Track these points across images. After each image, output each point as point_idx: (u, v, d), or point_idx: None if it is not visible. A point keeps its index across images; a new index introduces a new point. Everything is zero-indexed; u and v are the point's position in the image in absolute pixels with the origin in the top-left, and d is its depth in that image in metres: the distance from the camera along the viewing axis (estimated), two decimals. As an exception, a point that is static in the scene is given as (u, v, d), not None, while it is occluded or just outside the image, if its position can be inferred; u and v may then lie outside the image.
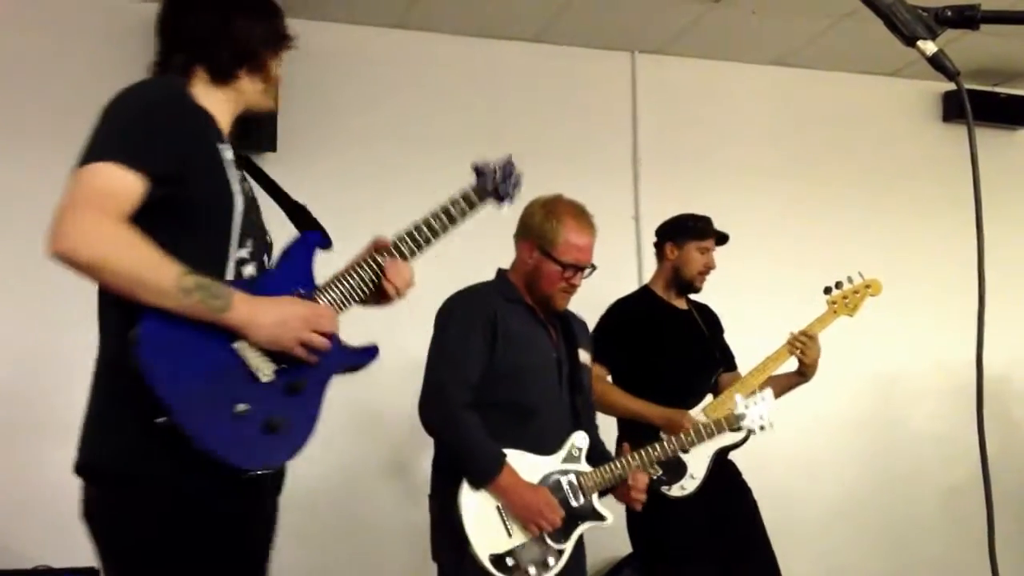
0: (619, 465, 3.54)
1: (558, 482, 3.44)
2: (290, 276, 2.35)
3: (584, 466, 3.50)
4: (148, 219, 2.13)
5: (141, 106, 2.24)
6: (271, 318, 2.19)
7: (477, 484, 3.30)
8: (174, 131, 2.23)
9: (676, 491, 4.09)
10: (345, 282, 2.46)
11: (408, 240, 2.54)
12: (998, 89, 6.46)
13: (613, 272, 5.48)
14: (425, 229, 2.56)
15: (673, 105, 5.98)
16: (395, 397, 4.69)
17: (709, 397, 4.27)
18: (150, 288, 2.08)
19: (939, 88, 6.42)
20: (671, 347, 4.26)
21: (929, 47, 1.78)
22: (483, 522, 3.29)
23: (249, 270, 2.31)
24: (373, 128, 5.40)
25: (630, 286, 5.20)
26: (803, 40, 5.87)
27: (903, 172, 6.32)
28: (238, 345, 2.18)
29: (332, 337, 2.32)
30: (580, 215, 3.59)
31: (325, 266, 2.48)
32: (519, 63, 5.72)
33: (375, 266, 2.50)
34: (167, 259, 2.10)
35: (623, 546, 5.08)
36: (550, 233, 3.53)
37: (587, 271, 3.58)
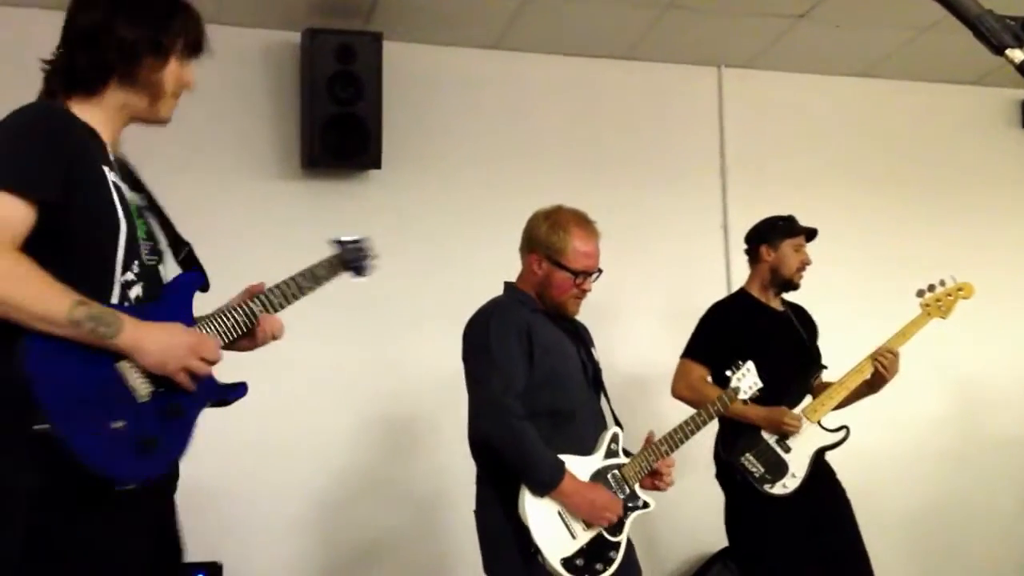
0: (652, 452, 3.52)
1: (605, 478, 3.42)
2: (173, 311, 2.31)
3: (623, 459, 3.49)
4: (34, 245, 2.11)
5: (27, 131, 2.17)
6: (159, 344, 2.17)
7: (541, 492, 3.26)
8: (60, 156, 2.16)
9: (778, 489, 4.05)
10: (219, 322, 2.42)
11: (272, 296, 2.53)
12: (1078, 95, 6.28)
13: (702, 280, 5.47)
14: (279, 294, 2.54)
15: (759, 117, 5.91)
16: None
17: (808, 398, 4.19)
18: (43, 320, 2.06)
19: (1019, 95, 6.27)
20: (770, 348, 4.19)
21: (1017, 55, 1.73)
22: (548, 528, 3.26)
23: (136, 291, 2.27)
24: (473, 146, 5.42)
25: (719, 293, 5.13)
26: (886, 52, 5.76)
27: (985, 178, 6.18)
28: (120, 365, 2.16)
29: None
30: (585, 222, 3.54)
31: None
32: (610, 80, 5.69)
33: (250, 311, 2.47)
34: (59, 290, 2.08)
35: (715, 542, 5.04)
36: (558, 243, 3.48)
37: (595, 275, 3.54)
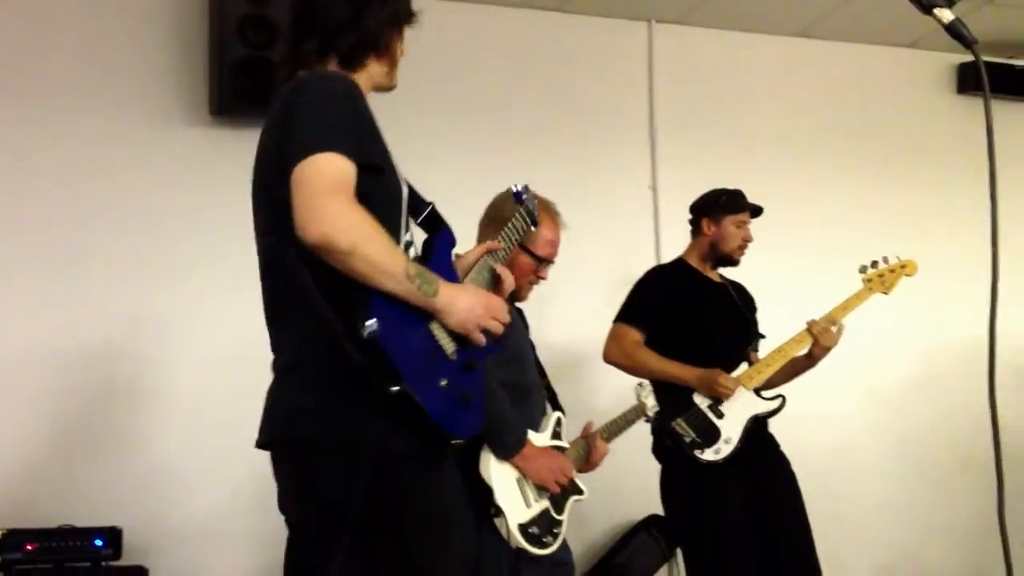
0: (587, 440, 3.76)
1: None
2: (442, 270, 2.44)
3: (564, 443, 3.66)
4: None
5: (343, 99, 2.34)
6: (464, 303, 2.34)
7: (508, 454, 3.40)
8: (370, 124, 2.37)
9: (709, 455, 4.10)
10: (477, 280, 2.66)
11: (500, 254, 2.79)
12: (1014, 61, 6.40)
13: (631, 241, 5.51)
14: (506, 242, 2.82)
15: (690, 75, 5.95)
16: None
17: (744, 365, 4.25)
18: (387, 274, 2.20)
19: (955, 60, 6.38)
20: (706, 316, 4.27)
21: (946, 15, 1.78)
22: (509, 493, 3.40)
23: (412, 252, 2.45)
24: (392, 95, 5.35)
25: (647, 255, 5.19)
26: (822, 12, 5.83)
27: (919, 143, 6.30)
28: (432, 324, 2.31)
29: None
30: (555, 212, 3.69)
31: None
32: (536, 32, 5.68)
33: (492, 268, 2.72)
34: (396, 247, 2.26)
35: (640, 509, 5.13)
36: (527, 235, 3.56)
37: (551, 265, 3.71)
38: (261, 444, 2.40)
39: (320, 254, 2.17)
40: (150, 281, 4.85)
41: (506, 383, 3.44)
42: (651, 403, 4.05)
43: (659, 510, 4.43)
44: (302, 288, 2.24)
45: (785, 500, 4.23)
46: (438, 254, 2.49)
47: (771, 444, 4.31)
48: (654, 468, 4.30)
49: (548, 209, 3.65)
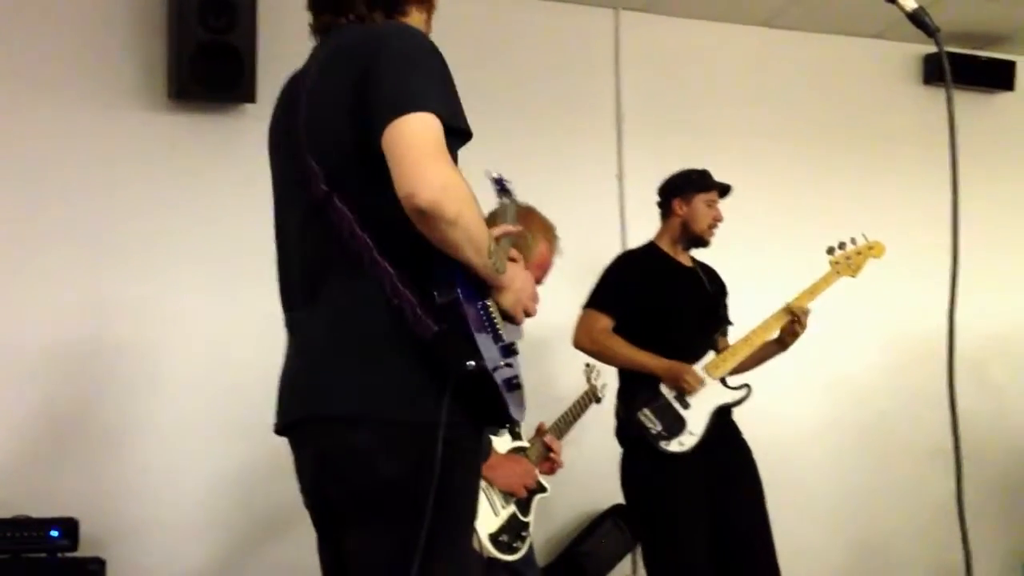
0: (545, 439, 3.79)
1: None
2: None
3: (525, 443, 3.71)
4: None
5: (434, 56, 2.22)
6: (519, 282, 2.27)
7: None
8: (454, 85, 2.23)
9: (674, 446, 4.12)
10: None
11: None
12: (978, 52, 6.45)
13: (596, 230, 5.51)
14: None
15: (657, 64, 5.95)
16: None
17: (711, 354, 4.28)
18: (475, 246, 2.09)
19: (920, 50, 6.41)
20: (676, 302, 4.30)
21: (909, 3, 1.79)
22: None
23: None
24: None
25: (613, 244, 5.18)
26: (788, 1, 5.84)
27: (885, 133, 6.32)
28: (489, 302, 2.22)
29: None
30: (555, 236, 3.70)
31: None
32: (500, 18, 5.67)
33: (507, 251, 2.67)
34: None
35: (605, 499, 5.14)
36: (524, 248, 3.53)
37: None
38: (284, 426, 2.26)
39: (419, 219, 2.02)
40: (103, 268, 4.81)
41: None
42: (600, 384, 4.07)
43: (623, 499, 4.45)
44: (360, 251, 2.11)
45: (745, 489, 4.27)
46: None
47: (734, 432, 4.34)
48: (619, 458, 4.31)
49: (549, 233, 3.67)
